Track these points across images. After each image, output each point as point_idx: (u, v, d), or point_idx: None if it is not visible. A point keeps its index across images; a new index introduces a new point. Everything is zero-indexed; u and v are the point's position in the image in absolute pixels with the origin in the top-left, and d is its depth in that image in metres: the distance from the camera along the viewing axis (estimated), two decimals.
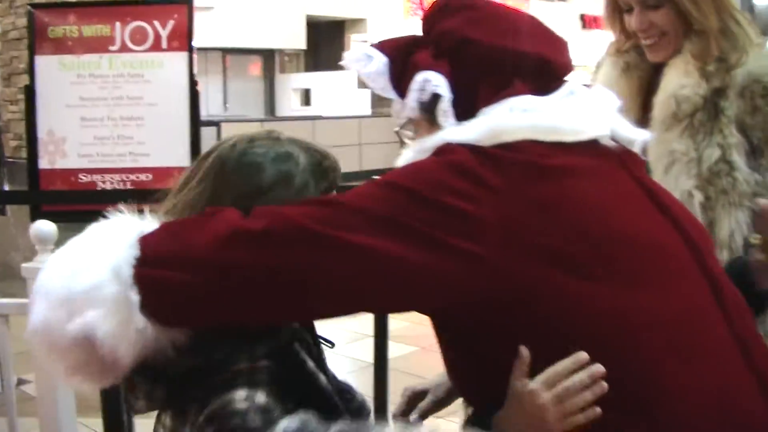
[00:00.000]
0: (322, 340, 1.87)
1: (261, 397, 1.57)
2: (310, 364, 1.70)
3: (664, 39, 2.50)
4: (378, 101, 17.69)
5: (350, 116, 16.79)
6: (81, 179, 5.29)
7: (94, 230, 1.58)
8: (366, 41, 21.58)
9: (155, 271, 1.46)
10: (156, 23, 5.31)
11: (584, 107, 1.66)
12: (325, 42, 20.33)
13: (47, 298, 1.48)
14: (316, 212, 1.49)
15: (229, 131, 8.67)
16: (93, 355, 1.46)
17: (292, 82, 19.21)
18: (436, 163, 1.55)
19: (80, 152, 5.35)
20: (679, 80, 2.44)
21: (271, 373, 1.61)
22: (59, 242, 3.94)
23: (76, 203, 5.07)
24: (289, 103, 18.96)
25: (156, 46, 5.31)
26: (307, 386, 1.68)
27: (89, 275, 1.47)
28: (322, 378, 1.71)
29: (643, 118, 2.53)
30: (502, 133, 1.55)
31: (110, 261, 1.47)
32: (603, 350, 1.44)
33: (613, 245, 1.50)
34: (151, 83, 5.29)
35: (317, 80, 18.58)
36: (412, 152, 1.67)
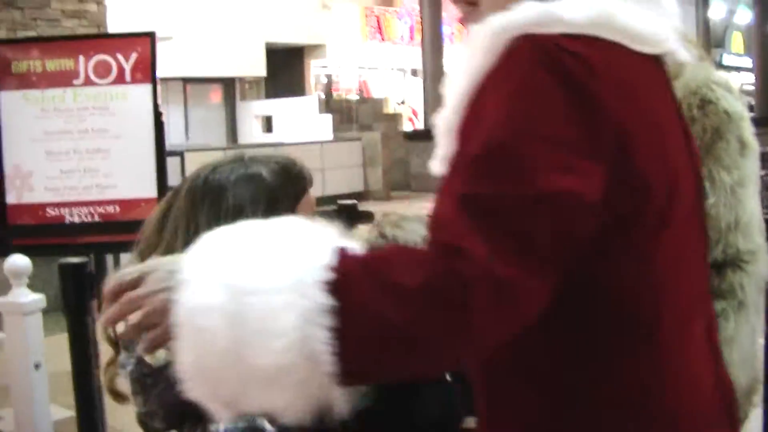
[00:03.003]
0: None
1: None
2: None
3: None
4: (339, 125, 17.76)
5: (312, 141, 16.82)
6: (48, 213, 5.28)
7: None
8: (326, 66, 21.72)
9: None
10: (119, 56, 5.34)
11: (659, 13, 1.45)
12: (285, 68, 20.38)
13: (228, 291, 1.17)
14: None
15: (193, 160, 8.67)
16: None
17: (253, 109, 19.23)
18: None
19: (47, 186, 5.35)
20: None
21: None
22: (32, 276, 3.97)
23: (46, 237, 5.10)
24: (250, 130, 18.98)
25: (120, 79, 5.33)
26: None
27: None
28: None
29: None
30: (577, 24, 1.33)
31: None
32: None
33: (674, 186, 1.37)
34: (116, 115, 5.31)
35: (278, 106, 18.62)
36: (478, 39, 1.36)
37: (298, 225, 1.27)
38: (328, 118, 17.73)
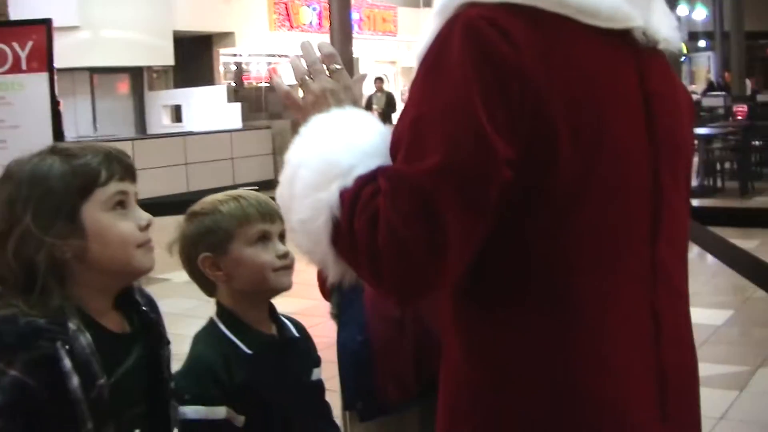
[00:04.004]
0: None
1: None
2: (66, 364, 1.70)
3: None
4: (249, 114, 17.66)
5: (222, 130, 16.71)
6: None
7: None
8: (235, 55, 21.57)
9: None
10: (15, 45, 5.25)
11: None
12: (194, 57, 20.20)
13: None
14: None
15: None
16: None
17: (161, 99, 19.03)
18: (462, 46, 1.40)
19: None
20: None
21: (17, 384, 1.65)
22: None
23: None
24: (159, 120, 18.78)
25: (16, 68, 5.24)
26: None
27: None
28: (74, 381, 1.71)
29: None
30: None
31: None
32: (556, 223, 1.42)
33: (600, 152, 1.43)
34: (13, 105, 5.22)
35: (187, 96, 18.45)
36: (436, 6, 1.51)
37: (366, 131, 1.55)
38: (238, 106, 17.62)
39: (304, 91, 1.77)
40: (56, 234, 1.73)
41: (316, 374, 2.36)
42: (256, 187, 3.79)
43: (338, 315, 2.59)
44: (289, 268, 2.26)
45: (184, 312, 2.38)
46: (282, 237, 2.27)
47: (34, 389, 1.65)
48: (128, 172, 1.87)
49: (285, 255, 2.24)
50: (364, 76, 1.91)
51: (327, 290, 2.58)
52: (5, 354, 1.64)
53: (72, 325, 1.72)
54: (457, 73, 1.38)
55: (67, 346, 1.70)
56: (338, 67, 1.76)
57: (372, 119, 1.61)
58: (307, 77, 1.76)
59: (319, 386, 2.38)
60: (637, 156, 1.47)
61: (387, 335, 2.47)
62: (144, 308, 1.96)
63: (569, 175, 1.39)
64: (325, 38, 17.80)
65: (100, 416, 1.74)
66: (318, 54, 1.78)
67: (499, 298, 1.46)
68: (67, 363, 1.69)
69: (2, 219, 1.75)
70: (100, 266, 1.80)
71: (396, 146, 1.45)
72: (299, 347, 2.35)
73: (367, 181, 1.44)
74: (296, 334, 2.35)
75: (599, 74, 1.45)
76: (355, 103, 1.72)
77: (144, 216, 1.87)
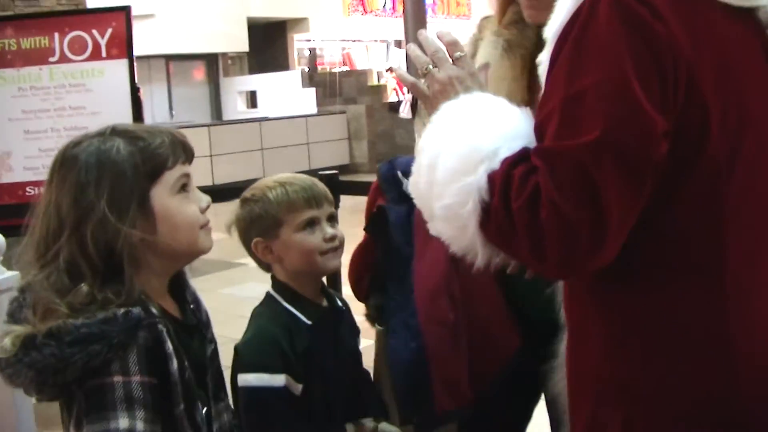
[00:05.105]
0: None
1: (140, 426, 1.63)
2: (169, 346, 1.72)
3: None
4: (323, 99, 17.71)
5: (297, 116, 16.78)
6: (28, 192, 5.26)
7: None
8: (309, 40, 21.65)
9: None
10: (95, 32, 5.29)
11: None
12: (268, 43, 20.31)
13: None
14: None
15: None
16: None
17: (237, 85, 19.16)
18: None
19: (26, 165, 5.32)
20: None
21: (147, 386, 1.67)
22: (7, 255, 3.94)
23: (25, 217, 5.07)
24: (235, 106, 18.92)
25: (96, 55, 5.28)
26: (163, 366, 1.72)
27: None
28: (175, 363, 1.73)
29: (530, 99, 2.51)
30: None
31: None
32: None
33: (744, 130, 1.45)
34: (93, 92, 5.27)
35: (262, 82, 18.55)
36: None
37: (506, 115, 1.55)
38: (312, 92, 17.68)
39: (429, 81, 1.80)
40: (131, 219, 1.73)
41: (360, 343, 2.53)
42: (335, 171, 3.78)
43: (378, 318, 2.50)
44: (336, 249, 2.38)
45: (259, 296, 2.44)
46: (331, 219, 2.40)
47: (155, 385, 1.68)
48: (189, 155, 1.89)
49: (332, 238, 2.35)
50: (487, 65, 1.92)
51: (362, 289, 2.55)
52: (117, 355, 1.65)
53: (154, 310, 1.75)
54: (608, 50, 1.38)
55: (165, 329, 1.72)
56: (462, 54, 1.79)
57: (506, 102, 1.60)
58: (431, 66, 1.79)
59: (361, 354, 2.52)
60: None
61: (443, 340, 2.37)
62: (192, 305, 1.99)
63: (718, 148, 1.41)
64: (399, 22, 17.78)
65: (189, 397, 1.77)
66: (437, 43, 1.81)
67: (648, 272, 1.47)
68: (169, 345, 1.71)
69: (74, 205, 1.73)
70: (166, 250, 1.81)
71: (544, 125, 1.44)
72: (348, 317, 2.49)
73: (515, 162, 1.44)
74: (342, 306, 2.49)
75: (736, 52, 1.47)
76: (482, 88, 1.74)
77: (204, 198, 1.90)
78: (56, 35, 5.35)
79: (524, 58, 2.47)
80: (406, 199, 2.36)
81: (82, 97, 5.27)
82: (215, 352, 2.00)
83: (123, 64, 5.28)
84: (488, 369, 2.41)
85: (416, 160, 1.61)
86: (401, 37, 18.04)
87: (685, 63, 1.38)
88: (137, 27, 5.45)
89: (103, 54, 5.29)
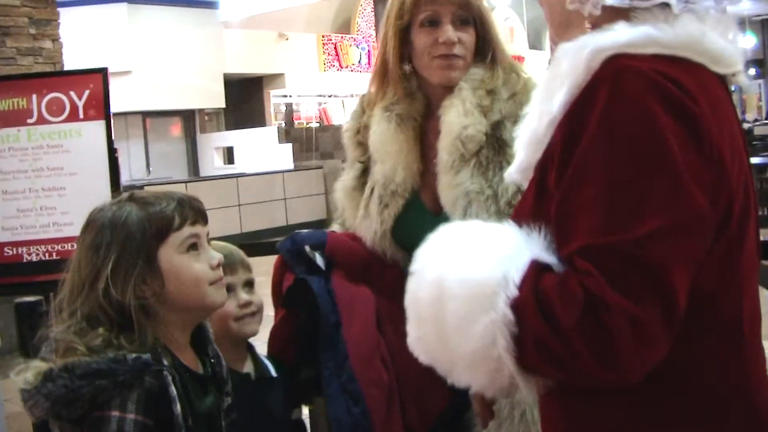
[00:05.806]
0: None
1: None
2: (173, 390, 1.85)
3: (460, 60, 2.54)
4: (300, 154, 17.76)
5: (274, 171, 16.82)
6: (6, 252, 5.27)
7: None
8: (286, 96, 21.74)
9: None
10: (72, 93, 5.32)
11: (728, 33, 1.52)
12: (245, 99, 20.40)
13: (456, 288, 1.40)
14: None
15: None
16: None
17: (213, 141, 19.21)
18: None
19: (4, 226, 5.32)
20: (460, 121, 2.46)
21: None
22: None
23: (3, 277, 5.11)
24: (212, 162, 18.95)
25: (73, 116, 5.31)
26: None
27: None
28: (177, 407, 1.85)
29: (424, 168, 2.59)
30: (659, 44, 1.42)
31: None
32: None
33: (748, 190, 1.49)
34: (71, 153, 5.28)
35: (239, 137, 18.62)
36: (570, 57, 1.46)
37: (505, 239, 1.45)
38: (289, 147, 17.74)
39: None
40: (138, 276, 1.90)
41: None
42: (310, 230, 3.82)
43: (312, 390, 2.52)
44: (254, 314, 2.48)
45: None
46: (248, 285, 2.49)
47: (152, 427, 1.80)
48: (200, 215, 2.03)
49: (247, 304, 2.46)
50: None
51: (287, 361, 2.60)
52: (120, 392, 1.78)
53: (165, 360, 1.89)
54: (647, 133, 1.34)
55: (170, 376, 1.86)
56: None
57: (478, 223, 1.56)
58: None
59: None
60: (752, 189, 1.53)
61: (381, 402, 2.42)
62: (212, 360, 2.11)
63: (738, 215, 1.45)
64: None
65: None
66: None
67: (679, 355, 1.41)
68: (173, 390, 1.85)
69: (89, 263, 1.91)
70: (176, 304, 1.96)
71: (570, 219, 1.38)
72: (279, 388, 2.55)
73: (536, 278, 1.36)
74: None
75: (732, 122, 1.50)
76: None
77: (215, 255, 2.05)
78: (34, 96, 5.38)
79: (416, 129, 2.60)
80: (316, 271, 2.51)
81: (60, 158, 5.29)
82: (232, 405, 2.11)
83: (100, 124, 5.30)
84: (423, 424, 2.49)
85: (408, 314, 1.52)
86: None
87: (715, 142, 1.38)
88: (114, 84, 5.49)
89: (81, 115, 5.31)
